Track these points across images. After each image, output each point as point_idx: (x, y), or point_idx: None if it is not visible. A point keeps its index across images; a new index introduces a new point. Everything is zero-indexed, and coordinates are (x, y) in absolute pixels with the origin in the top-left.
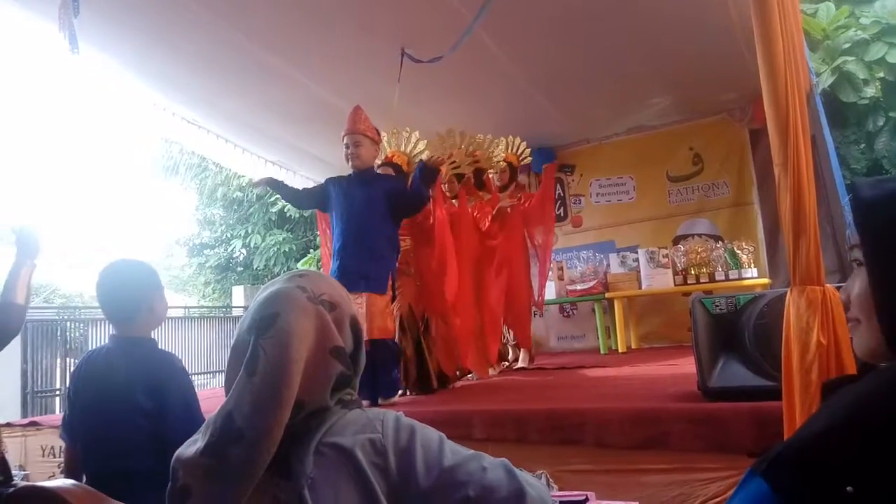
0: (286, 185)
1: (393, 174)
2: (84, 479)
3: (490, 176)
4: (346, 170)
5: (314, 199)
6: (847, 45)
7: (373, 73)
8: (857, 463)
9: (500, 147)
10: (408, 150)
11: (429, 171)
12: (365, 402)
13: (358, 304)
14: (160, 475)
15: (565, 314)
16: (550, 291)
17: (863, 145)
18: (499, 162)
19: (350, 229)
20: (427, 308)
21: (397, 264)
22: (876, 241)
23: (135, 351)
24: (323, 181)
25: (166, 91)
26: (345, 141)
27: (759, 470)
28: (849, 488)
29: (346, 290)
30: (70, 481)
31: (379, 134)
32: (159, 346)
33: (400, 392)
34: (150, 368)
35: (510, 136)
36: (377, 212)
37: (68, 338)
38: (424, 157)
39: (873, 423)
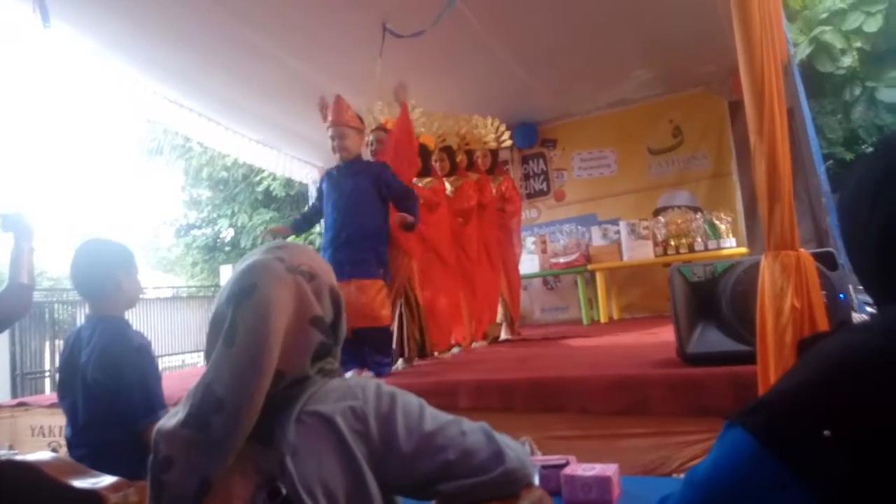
0: (298, 219)
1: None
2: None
3: (478, 158)
4: (328, 144)
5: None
6: (825, 15)
7: (354, 49)
8: (833, 409)
9: (489, 128)
10: None
11: (407, 227)
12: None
13: (346, 292)
14: (125, 446)
15: (549, 287)
16: (534, 264)
17: (840, 116)
18: (486, 144)
19: (339, 220)
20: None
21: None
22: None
23: (98, 329)
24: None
25: (146, 70)
26: (330, 133)
27: (738, 420)
28: (826, 432)
29: (338, 277)
30: (50, 453)
31: (362, 121)
32: (131, 325)
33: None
34: (105, 346)
35: (489, 117)
36: (366, 201)
37: (56, 319)
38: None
39: (849, 372)
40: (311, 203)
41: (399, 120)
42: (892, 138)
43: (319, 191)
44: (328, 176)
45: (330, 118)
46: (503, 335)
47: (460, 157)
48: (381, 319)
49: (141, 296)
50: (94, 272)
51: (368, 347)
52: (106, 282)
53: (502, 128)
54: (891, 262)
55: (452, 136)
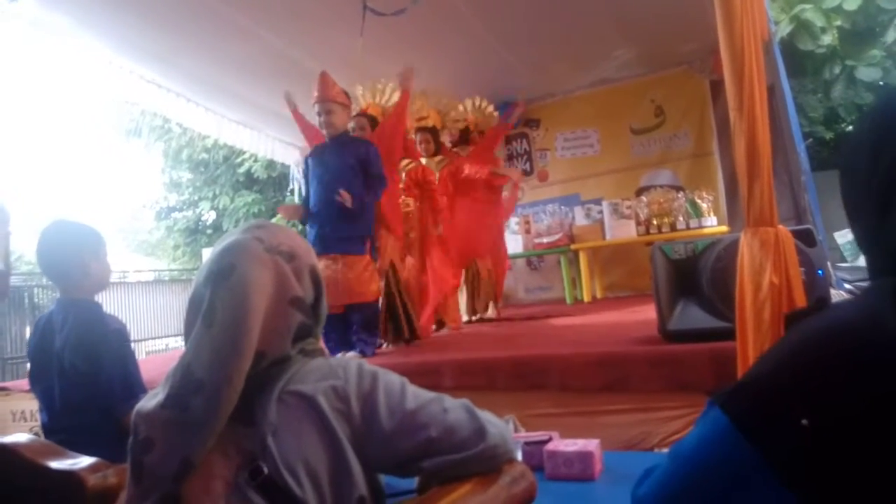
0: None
1: (368, 127)
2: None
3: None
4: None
5: None
6: None
7: (335, 27)
8: (812, 397)
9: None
10: (382, 102)
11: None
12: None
13: (333, 270)
14: (103, 430)
15: (532, 267)
16: (518, 245)
17: (820, 94)
18: (458, 121)
19: (325, 195)
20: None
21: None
22: None
23: (72, 313)
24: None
25: (122, 49)
26: (316, 109)
27: (718, 401)
28: (804, 422)
29: (323, 252)
30: (26, 435)
31: (349, 97)
32: (103, 309)
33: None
34: (82, 330)
35: (476, 98)
36: (351, 177)
37: (36, 304)
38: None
39: (826, 358)
40: (300, 185)
41: (396, 107)
42: (887, 94)
43: (306, 173)
44: (312, 154)
45: (316, 94)
46: (488, 314)
47: (444, 137)
48: (368, 294)
49: (119, 279)
50: (60, 255)
51: (356, 325)
52: (73, 265)
53: (490, 108)
54: (890, 223)
55: (434, 115)
